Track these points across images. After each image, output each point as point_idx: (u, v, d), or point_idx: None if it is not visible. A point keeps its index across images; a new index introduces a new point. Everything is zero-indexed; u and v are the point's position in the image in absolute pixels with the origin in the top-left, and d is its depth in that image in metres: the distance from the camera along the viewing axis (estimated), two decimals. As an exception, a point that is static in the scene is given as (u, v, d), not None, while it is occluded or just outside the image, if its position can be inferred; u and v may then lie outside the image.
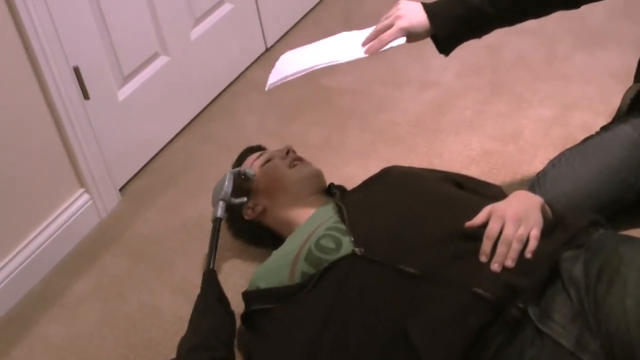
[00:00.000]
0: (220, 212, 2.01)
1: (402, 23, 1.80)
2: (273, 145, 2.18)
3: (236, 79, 2.96)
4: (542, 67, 2.74)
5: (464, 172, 2.12)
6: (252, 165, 2.01)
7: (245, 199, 2.00)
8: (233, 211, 2.03)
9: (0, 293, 2.08)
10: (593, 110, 2.42)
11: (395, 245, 1.60)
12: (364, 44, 1.83)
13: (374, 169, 2.01)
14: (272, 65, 1.92)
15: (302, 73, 1.82)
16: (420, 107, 2.63)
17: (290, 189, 1.94)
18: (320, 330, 1.57)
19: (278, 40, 3.18)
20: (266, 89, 1.85)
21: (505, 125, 2.46)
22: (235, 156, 2.15)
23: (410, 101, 2.68)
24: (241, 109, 2.80)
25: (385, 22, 1.82)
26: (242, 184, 2.01)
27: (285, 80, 1.84)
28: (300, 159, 2.01)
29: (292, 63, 1.89)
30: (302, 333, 1.60)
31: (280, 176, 1.96)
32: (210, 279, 1.89)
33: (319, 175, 2.00)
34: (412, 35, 1.81)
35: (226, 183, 2.01)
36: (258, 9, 3.03)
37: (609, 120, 2.12)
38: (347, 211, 1.74)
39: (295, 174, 1.96)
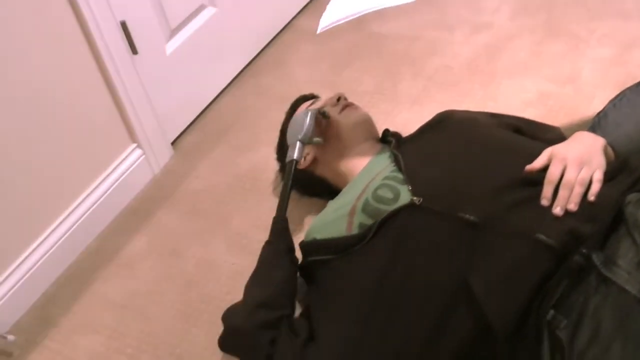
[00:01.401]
0: (297, 154, 1.88)
1: None
2: (325, 94, 2.14)
3: (284, 28, 2.91)
4: (599, 4, 2.65)
5: (521, 114, 2.06)
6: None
7: (321, 139, 1.92)
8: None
9: (59, 249, 2.10)
10: (655, 48, 2.34)
11: (455, 194, 1.55)
12: None
13: (428, 114, 1.95)
14: (320, 13, 1.88)
15: (354, 16, 1.78)
16: (473, 50, 2.57)
17: (341, 135, 1.90)
18: (380, 281, 1.55)
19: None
20: (318, 31, 1.82)
21: (561, 66, 2.39)
22: (286, 107, 2.10)
23: (463, 44, 2.61)
24: (290, 59, 2.76)
25: None
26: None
27: (337, 23, 1.79)
28: (351, 104, 1.96)
29: (343, 6, 1.85)
30: (362, 284, 1.57)
31: (329, 123, 1.91)
32: (282, 228, 1.80)
33: (368, 120, 1.95)
34: None
35: (307, 122, 1.90)
36: (304, -44, 2.97)
37: (671, 57, 2.05)
38: (403, 160, 1.69)
39: (344, 118, 1.92)
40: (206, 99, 2.63)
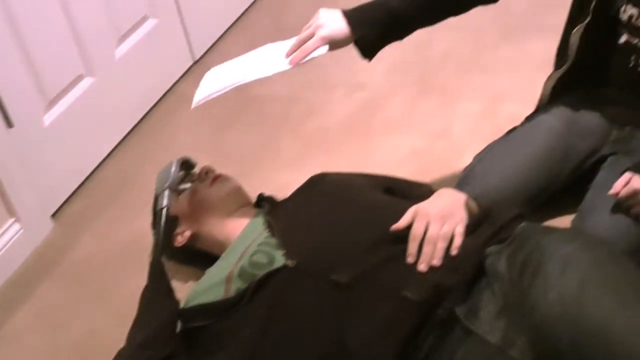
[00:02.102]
0: (166, 202, 1.90)
1: (322, 32, 1.80)
2: (203, 161, 2.16)
3: (165, 94, 2.93)
4: (470, 60, 2.76)
5: (394, 172, 2.12)
6: None
7: (189, 184, 1.97)
8: (164, 238, 1.92)
9: None
10: (520, 100, 2.43)
11: (326, 256, 1.61)
12: (287, 55, 1.83)
13: (306, 175, 2.00)
14: (201, 78, 1.92)
15: (228, 89, 1.82)
16: (349, 110, 2.64)
17: (213, 209, 1.93)
18: (257, 345, 1.57)
19: (206, 52, 3.15)
20: (192, 106, 1.85)
21: (434, 122, 2.48)
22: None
23: (340, 105, 2.68)
24: (173, 125, 2.78)
25: (306, 32, 1.82)
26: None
27: (211, 97, 1.83)
28: (219, 176, 1.99)
29: (218, 79, 1.89)
30: (240, 348, 1.60)
31: (201, 198, 1.95)
32: (159, 271, 1.82)
33: (239, 188, 1.99)
34: (334, 43, 1.82)
35: (173, 169, 1.95)
36: (183, 22, 3.01)
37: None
38: (276, 225, 1.74)
39: (215, 192, 1.95)
40: (88, 167, 2.61)
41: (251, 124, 2.69)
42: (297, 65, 1.81)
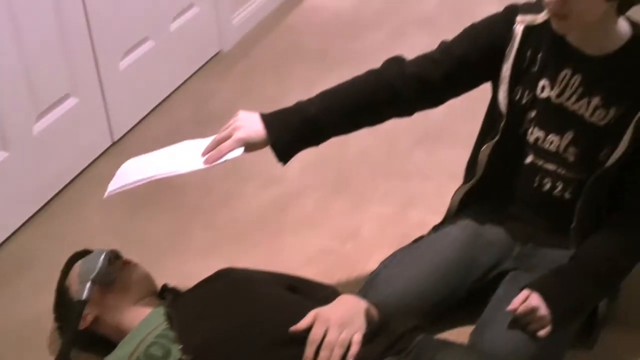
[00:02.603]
0: (86, 294, 1.83)
1: (239, 134, 1.84)
2: (114, 244, 2.15)
3: (81, 172, 2.91)
4: (384, 163, 2.82)
5: (302, 270, 2.15)
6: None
7: (111, 278, 1.91)
8: (65, 319, 1.93)
9: None
10: (430, 208, 2.50)
11: (223, 353, 1.62)
12: (203, 154, 1.86)
13: (215, 266, 2.02)
14: (119, 159, 1.93)
15: (142, 182, 1.83)
16: (263, 204, 2.67)
17: (118, 294, 1.91)
18: None
19: (126, 133, 3.16)
20: (105, 196, 1.86)
21: (344, 222, 2.52)
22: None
23: (254, 197, 2.71)
24: (85, 205, 2.75)
25: (223, 133, 1.86)
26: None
27: (124, 189, 1.84)
28: (128, 262, 1.98)
29: (133, 172, 1.90)
30: None
31: (107, 283, 1.93)
32: None
33: (147, 276, 1.98)
34: (250, 145, 1.86)
35: (100, 261, 1.87)
36: (105, 103, 3.01)
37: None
38: (176, 318, 1.74)
39: (122, 278, 1.93)
40: (-7, 242, 2.57)
41: (164, 210, 2.69)
42: (212, 164, 1.83)
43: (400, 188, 2.67)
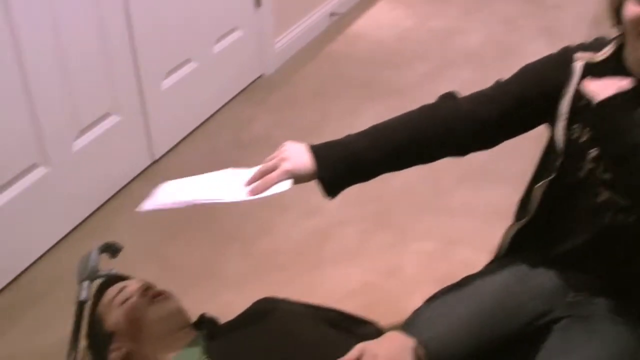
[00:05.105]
0: (84, 295, 1.84)
1: (287, 165, 1.75)
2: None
3: (119, 191, 2.88)
4: (427, 199, 2.76)
5: (342, 304, 2.07)
6: (110, 304, 1.89)
7: (113, 269, 1.89)
8: (99, 353, 1.87)
9: None
10: (475, 246, 2.44)
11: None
12: (247, 184, 1.78)
13: (251, 297, 1.94)
14: (157, 179, 1.87)
15: (180, 205, 1.76)
16: (302, 234, 2.61)
17: (151, 328, 1.83)
18: None
19: (165, 154, 3.12)
20: (138, 209, 1.79)
21: (387, 257, 2.45)
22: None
23: (293, 227, 2.65)
24: (120, 225, 2.71)
25: (269, 164, 1.77)
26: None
27: (161, 208, 1.77)
28: (160, 294, 1.90)
29: (173, 193, 1.84)
30: None
31: (139, 316, 1.86)
32: None
33: (179, 310, 1.90)
34: (297, 178, 1.78)
35: (92, 259, 1.88)
36: (146, 122, 2.99)
37: (490, 257, 2.13)
38: (216, 354, 1.68)
39: (154, 311, 1.86)
40: (26, 260, 2.52)
41: (200, 237, 2.63)
42: (257, 195, 1.75)
43: (443, 225, 2.60)
